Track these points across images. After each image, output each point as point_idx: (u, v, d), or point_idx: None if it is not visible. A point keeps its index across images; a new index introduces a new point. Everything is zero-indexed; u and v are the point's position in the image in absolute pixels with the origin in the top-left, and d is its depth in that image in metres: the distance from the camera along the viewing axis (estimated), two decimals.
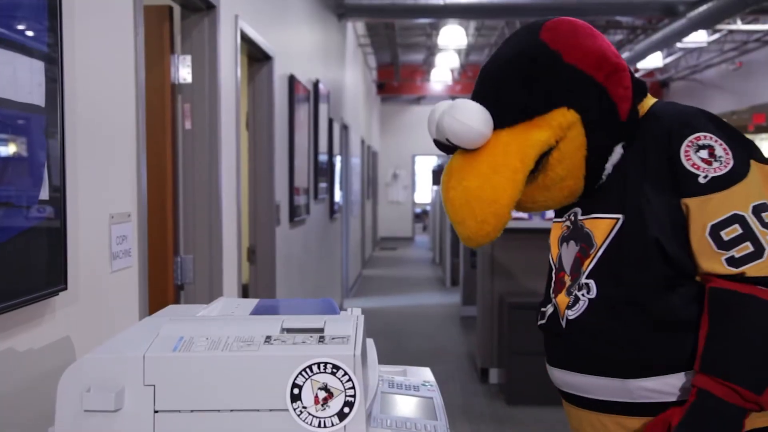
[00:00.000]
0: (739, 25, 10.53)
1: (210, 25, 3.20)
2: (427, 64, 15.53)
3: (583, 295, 1.50)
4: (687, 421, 1.30)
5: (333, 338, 1.20)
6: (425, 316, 8.63)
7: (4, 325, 1.59)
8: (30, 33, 1.65)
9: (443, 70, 15.35)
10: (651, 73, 15.79)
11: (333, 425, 1.13)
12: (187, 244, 3.16)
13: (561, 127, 1.44)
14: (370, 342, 1.53)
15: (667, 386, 1.41)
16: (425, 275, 12.37)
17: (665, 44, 9.73)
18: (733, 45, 12.43)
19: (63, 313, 1.83)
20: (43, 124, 1.69)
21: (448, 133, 1.46)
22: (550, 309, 1.60)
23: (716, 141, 1.39)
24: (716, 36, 11.70)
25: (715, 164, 1.37)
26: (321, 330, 1.24)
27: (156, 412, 1.13)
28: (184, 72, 3.07)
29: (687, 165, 1.39)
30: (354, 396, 1.14)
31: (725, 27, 10.60)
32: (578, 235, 1.54)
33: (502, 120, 1.46)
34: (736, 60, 13.08)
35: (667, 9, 8.38)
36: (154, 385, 1.13)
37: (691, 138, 1.40)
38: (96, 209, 2.03)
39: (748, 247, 1.32)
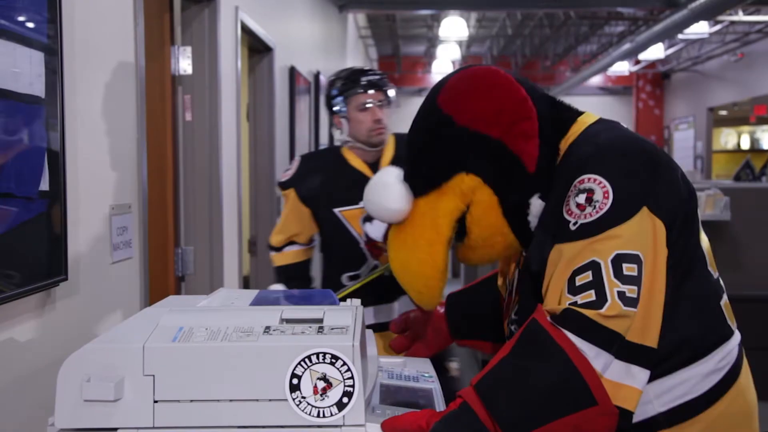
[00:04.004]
0: (741, 16, 10.50)
1: (210, 17, 3.20)
2: (429, 56, 15.50)
3: (513, 329, 1.48)
4: (439, 428, 1.20)
5: (332, 329, 1.21)
6: None
7: (5, 315, 1.59)
8: (30, 24, 1.65)
9: (444, 62, 15.31)
10: (653, 64, 15.76)
11: (332, 415, 1.14)
12: (187, 235, 3.17)
13: (464, 193, 1.40)
14: (369, 333, 1.53)
15: None
16: None
17: (667, 35, 9.70)
18: (735, 36, 12.40)
19: (63, 303, 1.84)
20: (43, 115, 1.69)
21: (372, 214, 1.51)
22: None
23: (599, 183, 1.26)
24: (718, 27, 11.67)
25: (588, 209, 1.26)
26: (320, 320, 1.24)
27: (156, 401, 1.14)
28: (184, 63, 3.06)
29: (564, 211, 1.29)
30: (353, 386, 1.14)
31: (727, 18, 10.57)
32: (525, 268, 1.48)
33: (415, 190, 1.45)
34: (737, 51, 13.05)
35: (668, 0, 8.36)
36: (153, 375, 1.14)
37: (575, 182, 1.29)
38: (96, 200, 2.03)
39: (591, 296, 1.21)
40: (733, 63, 13.39)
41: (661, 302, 1.24)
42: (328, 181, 2.57)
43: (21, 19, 1.62)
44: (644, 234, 1.24)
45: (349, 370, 1.14)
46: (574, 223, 1.26)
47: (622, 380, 1.19)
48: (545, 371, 1.19)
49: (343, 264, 2.58)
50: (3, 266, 1.53)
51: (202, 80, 3.17)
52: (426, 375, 1.47)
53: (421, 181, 1.44)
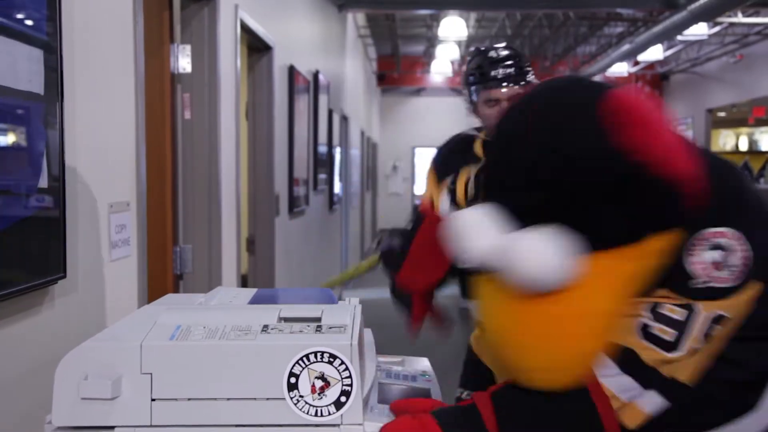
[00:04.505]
0: (740, 18, 10.50)
1: (210, 15, 3.19)
2: (428, 56, 15.48)
3: None
4: (442, 414, 1.19)
5: (330, 327, 1.21)
6: None
7: (3, 313, 1.59)
8: (29, 21, 1.65)
9: (444, 62, 15.31)
10: (651, 65, 15.76)
11: (330, 414, 1.14)
12: (186, 233, 3.16)
13: (654, 253, 1.14)
14: (368, 332, 1.53)
15: None
16: None
17: (666, 37, 9.70)
18: (734, 38, 12.39)
19: (61, 301, 1.83)
20: (42, 112, 1.69)
21: (526, 281, 1.13)
22: None
23: (741, 246, 1.13)
24: (717, 29, 11.66)
25: (724, 273, 1.12)
26: (318, 319, 1.24)
27: (153, 400, 1.13)
28: (183, 62, 3.06)
29: (687, 262, 1.14)
30: (351, 385, 1.14)
31: (726, 20, 10.56)
32: None
33: (580, 248, 1.14)
34: (736, 53, 13.05)
35: (668, 1, 8.36)
36: (151, 374, 1.14)
37: (707, 232, 1.14)
38: (95, 198, 2.03)
39: (669, 335, 1.13)
40: (732, 65, 13.39)
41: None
42: (449, 156, 2.40)
43: (20, 16, 1.62)
44: (747, 297, 1.14)
45: (347, 369, 1.14)
46: (704, 282, 1.13)
47: (634, 399, 1.14)
48: (564, 402, 1.16)
49: None
50: (1, 264, 1.53)
51: (201, 79, 3.17)
52: (424, 375, 1.47)
53: (596, 237, 1.14)
